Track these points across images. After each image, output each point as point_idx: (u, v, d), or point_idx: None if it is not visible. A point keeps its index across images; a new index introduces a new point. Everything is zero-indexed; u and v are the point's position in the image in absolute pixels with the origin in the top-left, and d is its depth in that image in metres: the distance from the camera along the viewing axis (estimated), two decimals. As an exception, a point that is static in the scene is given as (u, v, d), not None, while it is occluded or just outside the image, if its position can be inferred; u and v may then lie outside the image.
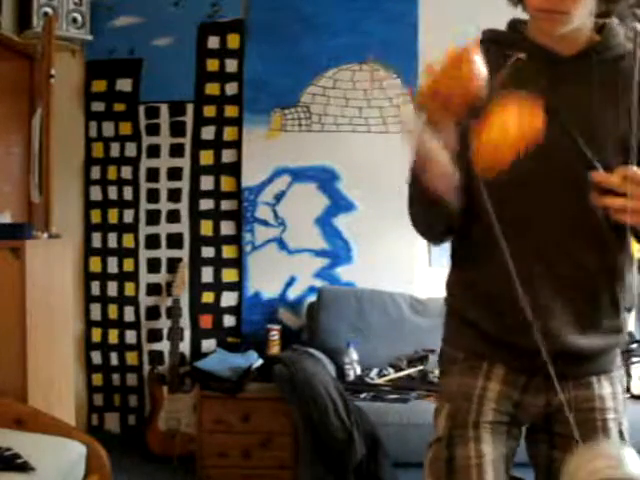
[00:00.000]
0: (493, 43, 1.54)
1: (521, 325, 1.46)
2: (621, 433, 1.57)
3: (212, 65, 4.09)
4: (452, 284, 1.64)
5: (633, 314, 3.67)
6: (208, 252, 4.09)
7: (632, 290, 1.58)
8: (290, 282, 4.06)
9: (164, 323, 4.07)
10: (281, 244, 4.06)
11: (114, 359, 4.10)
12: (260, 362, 3.73)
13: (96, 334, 4.10)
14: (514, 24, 1.59)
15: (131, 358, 4.10)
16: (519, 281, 1.43)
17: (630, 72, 1.50)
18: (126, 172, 4.10)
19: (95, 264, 4.11)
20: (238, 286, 4.07)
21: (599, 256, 1.50)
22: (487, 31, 1.59)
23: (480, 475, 1.52)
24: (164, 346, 4.05)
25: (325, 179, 4.01)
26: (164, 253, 4.10)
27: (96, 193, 4.10)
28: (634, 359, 3.48)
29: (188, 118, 4.08)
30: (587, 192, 1.39)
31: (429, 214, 1.50)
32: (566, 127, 1.46)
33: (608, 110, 1.49)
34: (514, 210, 1.46)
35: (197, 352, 4.05)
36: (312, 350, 3.59)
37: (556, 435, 1.58)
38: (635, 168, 1.35)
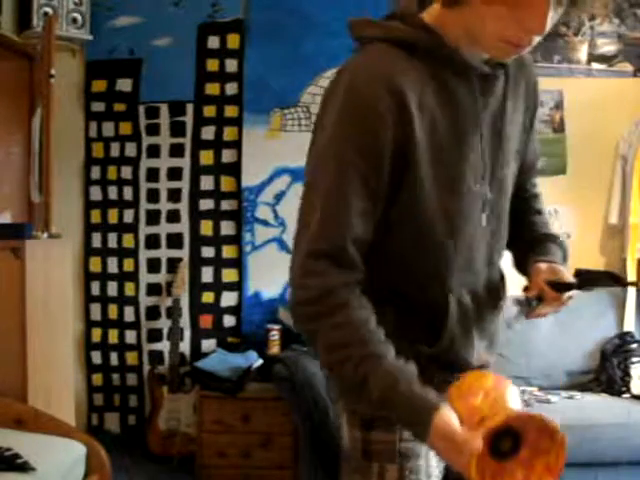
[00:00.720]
0: (400, 47, 1.31)
1: (453, 343, 1.41)
2: None
3: (212, 65, 4.09)
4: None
5: (633, 314, 3.68)
6: (208, 252, 4.09)
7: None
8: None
9: (164, 323, 4.07)
10: (281, 244, 4.06)
11: (114, 359, 4.10)
12: (260, 362, 3.73)
13: (96, 334, 4.10)
14: (414, 20, 1.35)
15: (131, 358, 4.10)
16: (440, 301, 1.38)
17: (527, 75, 1.49)
18: (126, 172, 4.09)
19: (95, 264, 4.11)
20: (238, 286, 4.07)
21: (498, 275, 1.51)
22: (380, 27, 1.37)
23: None
24: (164, 346, 4.05)
25: (325, 179, 4.00)
26: (164, 253, 4.10)
27: (96, 193, 4.10)
28: (634, 359, 3.48)
29: (188, 118, 4.08)
30: (499, 212, 1.43)
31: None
32: (487, 159, 1.40)
33: (517, 121, 1.48)
34: (467, 248, 1.40)
35: (197, 352, 4.04)
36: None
37: None
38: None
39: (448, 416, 1.18)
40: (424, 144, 1.28)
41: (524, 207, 1.61)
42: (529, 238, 1.57)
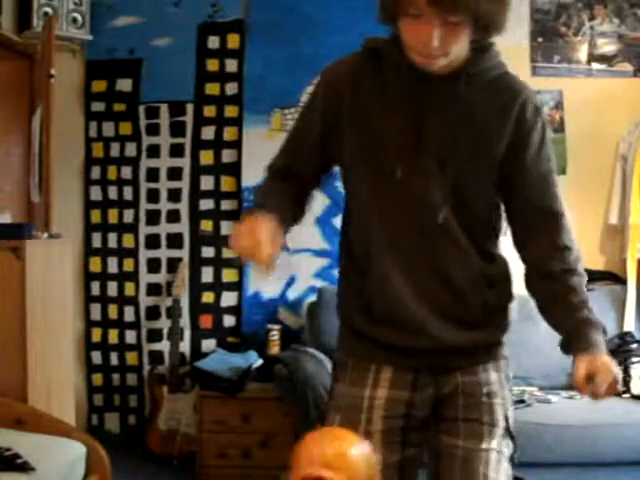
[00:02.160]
0: (372, 56, 1.62)
1: (402, 328, 1.59)
2: (507, 419, 1.65)
3: (212, 65, 4.09)
4: (341, 293, 1.75)
5: (633, 314, 3.68)
6: (208, 252, 4.09)
7: (509, 286, 1.69)
8: (290, 282, 4.06)
9: (164, 323, 4.07)
10: (281, 244, 4.05)
11: (114, 359, 4.10)
12: (260, 362, 3.73)
13: (96, 334, 4.10)
14: (397, 37, 1.57)
15: (131, 358, 4.10)
16: (399, 291, 1.58)
17: (503, 94, 1.57)
18: (126, 172, 4.10)
19: (95, 264, 4.11)
20: (238, 286, 4.07)
21: (462, 267, 1.59)
22: (371, 41, 1.65)
23: None
24: (164, 346, 4.05)
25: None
26: (164, 253, 4.10)
27: (96, 193, 4.10)
28: (634, 359, 3.48)
29: (188, 118, 4.08)
30: (447, 216, 1.55)
31: None
32: (428, 149, 1.55)
33: (473, 131, 1.56)
34: (388, 227, 1.60)
35: (197, 352, 4.05)
36: (312, 350, 3.58)
37: (444, 420, 1.65)
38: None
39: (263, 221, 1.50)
40: (348, 121, 1.60)
41: (552, 289, 1.63)
42: (566, 326, 1.61)
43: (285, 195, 1.66)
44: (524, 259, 1.66)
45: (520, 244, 1.66)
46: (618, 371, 1.53)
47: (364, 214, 1.64)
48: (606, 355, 1.54)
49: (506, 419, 1.64)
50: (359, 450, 1.39)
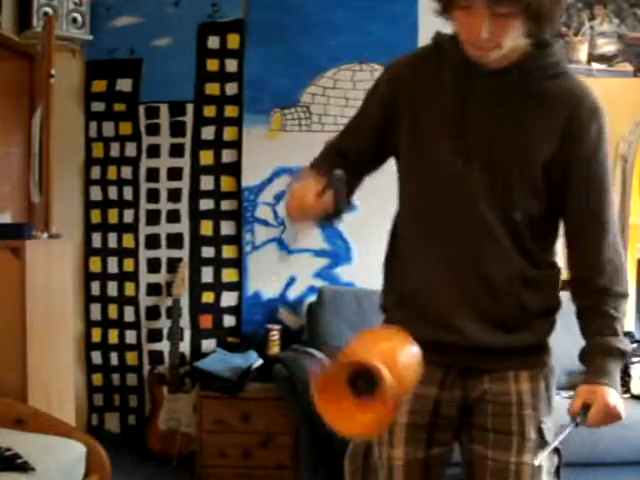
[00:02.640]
0: (435, 50, 1.66)
1: (434, 322, 1.59)
2: (540, 431, 1.61)
3: (212, 65, 4.08)
4: (384, 290, 1.73)
5: (633, 314, 3.67)
6: (208, 252, 4.08)
7: (554, 290, 1.65)
8: (290, 282, 4.06)
9: (164, 323, 4.06)
10: (281, 244, 4.06)
11: (114, 359, 4.10)
12: (260, 362, 3.73)
13: (96, 334, 4.10)
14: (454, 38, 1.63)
15: (131, 358, 4.10)
16: (436, 285, 1.57)
17: (559, 96, 1.55)
18: (126, 172, 4.09)
19: (95, 264, 4.11)
20: (238, 286, 4.07)
21: (501, 264, 1.57)
22: (438, 35, 1.68)
23: (390, 477, 1.60)
24: (164, 346, 4.05)
25: (325, 179, 4.00)
26: (164, 253, 4.10)
27: (96, 193, 4.10)
28: (634, 359, 3.47)
29: (188, 118, 4.08)
30: (487, 207, 1.54)
31: None
32: (473, 141, 1.55)
33: (519, 128, 1.54)
34: (431, 221, 1.61)
35: (197, 352, 4.04)
36: (312, 350, 3.58)
37: (474, 428, 1.63)
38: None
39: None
40: (406, 111, 1.63)
41: (589, 302, 1.62)
42: (585, 346, 1.62)
43: (339, 165, 1.64)
44: (568, 264, 1.64)
45: (567, 249, 1.64)
46: (617, 403, 1.57)
47: (408, 203, 1.67)
48: (610, 385, 1.57)
49: (539, 431, 1.61)
50: (411, 353, 1.38)
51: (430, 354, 1.57)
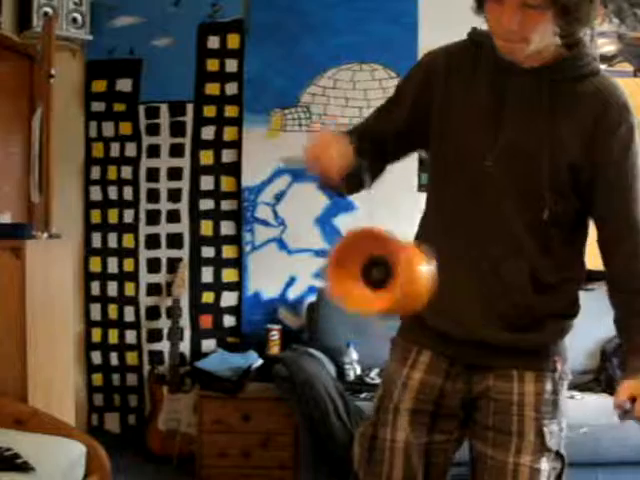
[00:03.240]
0: (471, 46, 1.65)
1: (447, 315, 1.60)
2: (541, 433, 1.59)
3: (212, 65, 4.09)
4: None
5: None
6: (208, 252, 4.09)
7: (569, 296, 1.67)
8: (290, 282, 4.06)
9: (164, 323, 4.06)
10: (281, 244, 4.06)
11: (114, 359, 4.10)
12: (260, 362, 3.73)
13: (96, 334, 4.10)
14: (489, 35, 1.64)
15: (131, 358, 4.10)
16: (449, 278, 1.53)
17: (587, 97, 1.54)
18: (126, 172, 4.09)
19: (95, 264, 4.11)
20: (238, 286, 4.07)
21: (518, 265, 1.57)
22: (474, 32, 1.67)
23: (391, 459, 1.64)
24: (164, 346, 4.05)
25: (325, 179, 3.99)
26: (164, 253, 4.10)
27: (96, 193, 4.10)
28: (634, 359, 3.48)
29: (188, 118, 4.08)
30: (512, 206, 1.54)
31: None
32: (500, 137, 1.56)
33: (550, 131, 1.53)
34: (452, 214, 1.63)
35: (197, 352, 4.04)
36: (312, 350, 3.59)
37: (477, 425, 1.64)
38: None
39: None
40: (438, 100, 1.63)
41: (624, 307, 1.62)
42: (625, 347, 1.62)
43: (366, 142, 1.64)
44: (605, 269, 1.65)
45: (603, 253, 1.65)
46: None
47: (434, 193, 1.69)
48: None
49: (540, 434, 1.59)
50: (428, 266, 1.38)
51: (437, 343, 1.63)
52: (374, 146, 1.64)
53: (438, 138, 1.65)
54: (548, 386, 1.62)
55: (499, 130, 1.56)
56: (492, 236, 1.57)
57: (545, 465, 1.58)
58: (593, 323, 3.64)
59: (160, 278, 4.10)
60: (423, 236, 1.67)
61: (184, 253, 4.08)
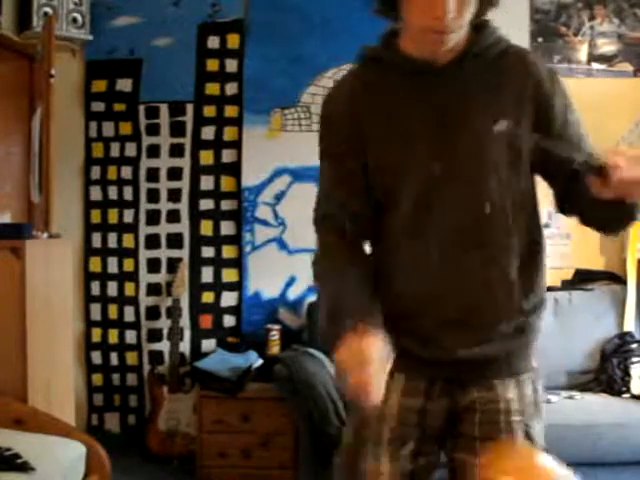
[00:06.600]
0: (373, 61, 1.59)
1: (419, 337, 1.54)
2: (528, 435, 1.58)
3: (212, 65, 4.09)
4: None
5: (633, 314, 3.67)
6: (208, 252, 4.09)
7: (537, 293, 1.59)
8: (290, 282, 4.06)
9: (164, 323, 4.06)
10: (281, 244, 4.06)
11: (114, 359, 4.10)
12: (260, 362, 3.73)
13: (96, 334, 4.10)
14: (389, 38, 1.59)
15: (131, 358, 4.10)
16: (416, 301, 1.52)
17: (514, 68, 1.52)
18: (126, 172, 4.09)
19: (95, 264, 4.11)
20: (238, 286, 4.07)
21: (483, 266, 1.53)
22: (366, 49, 1.62)
23: None
24: (164, 346, 4.05)
25: (325, 179, 3.99)
26: (164, 253, 4.10)
27: (96, 193, 4.10)
28: (634, 359, 3.48)
29: (188, 118, 4.08)
30: (475, 207, 1.50)
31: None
32: (450, 138, 1.50)
33: (488, 111, 1.50)
34: (413, 230, 1.54)
35: (197, 352, 4.04)
36: (312, 350, 3.58)
37: (461, 437, 1.59)
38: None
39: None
40: (373, 135, 1.54)
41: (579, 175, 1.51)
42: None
43: (358, 281, 1.52)
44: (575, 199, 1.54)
45: (571, 200, 1.55)
46: None
47: (390, 219, 1.59)
48: None
49: (530, 436, 1.58)
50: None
51: (411, 366, 1.56)
52: (359, 230, 1.58)
53: (382, 167, 1.56)
54: (529, 388, 1.60)
55: (443, 129, 1.50)
56: (455, 250, 1.52)
57: None
58: (593, 323, 3.66)
59: (160, 278, 4.10)
60: (386, 260, 1.59)
61: (184, 253, 4.08)
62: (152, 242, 4.10)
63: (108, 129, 4.09)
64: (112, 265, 4.10)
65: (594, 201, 1.41)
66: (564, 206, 1.58)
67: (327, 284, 1.57)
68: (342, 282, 1.52)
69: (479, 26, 1.52)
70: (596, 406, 3.28)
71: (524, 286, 1.56)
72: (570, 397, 3.37)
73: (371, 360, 1.36)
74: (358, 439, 1.61)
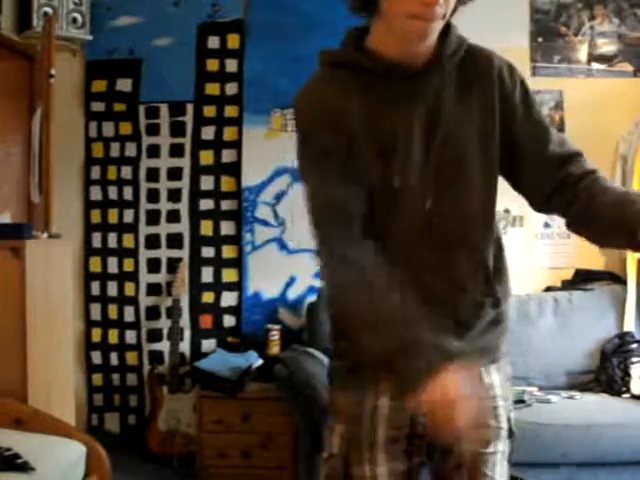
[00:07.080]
0: (338, 67, 1.54)
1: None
2: (509, 419, 1.61)
3: (212, 65, 4.09)
4: None
5: (633, 314, 3.67)
6: (208, 252, 4.09)
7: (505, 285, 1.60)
8: (290, 282, 4.06)
9: (164, 323, 4.07)
10: (281, 244, 4.06)
11: (114, 359, 4.10)
12: (260, 362, 3.73)
13: (96, 334, 4.10)
14: (354, 40, 1.55)
15: (131, 358, 4.10)
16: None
17: (480, 65, 1.52)
18: (126, 172, 4.10)
19: (95, 264, 4.11)
20: (238, 286, 4.07)
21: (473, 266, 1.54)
22: (326, 54, 1.58)
23: None
24: (164, 346, 4.05)
25: (325, 179, 4.00)
26: (164, 253, 4.10)
27: (96, 193, 4.10)
28: (634, 359, 3.48)
29: (188, 118, 4.08)
30: (460, 211, 1.50)
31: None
32: (438, 141, 1.49)
33: (468, 112, 1.51)
34: (397, 240, 1.52)
35: (197, 352, 4.05)
36: (312, 350, 3.58)
37: None
38: None
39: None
40: (360, 140, 1.49)
41: (585, 196, 1.57)
42: (611, 210, 1.50)
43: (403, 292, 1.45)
44: (566, 201, 1.57)
45: (552, 197, 1.58)
46: None
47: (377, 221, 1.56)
48: None
49: (509, 420, 1.61)
50: None
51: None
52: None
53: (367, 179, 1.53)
54: (504, 373, 1.63)
55: (432, 133, 1.49)
56: (441, 252, 1.52)
57: (506, 448, 1.60)
58: (593, 323, 3.66)
59: (160, 278, 4.10)
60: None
61: (184, 253, 4.08)
62: (152, 242, 4.10)
63: (108, 129, 4.09)
64: (112, 265, 4.10)
65: (613, 226, 1.45)
66: (549, 206, 1.60)
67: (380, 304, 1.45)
68: (404, 309, 1.43)
69: (445, 28, 1.50)
70: (596, 406, 3.28)
71: (499, 274, 1.58)
72: (570, 397, 3.37)
73: (462, 400, 1.32)
74: (348, 446, 1.57)
